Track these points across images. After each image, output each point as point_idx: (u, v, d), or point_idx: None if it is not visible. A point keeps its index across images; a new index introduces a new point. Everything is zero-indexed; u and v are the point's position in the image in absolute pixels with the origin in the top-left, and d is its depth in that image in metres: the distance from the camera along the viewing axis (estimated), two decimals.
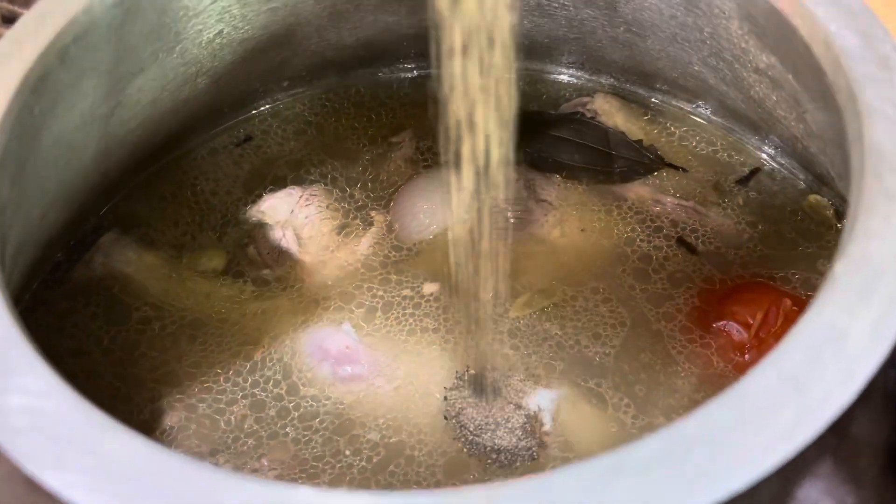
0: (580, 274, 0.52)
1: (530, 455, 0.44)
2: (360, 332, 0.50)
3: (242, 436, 0.46)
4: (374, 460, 0.44)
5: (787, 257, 0.52)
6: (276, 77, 0.61)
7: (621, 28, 0.54)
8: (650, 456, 0.25)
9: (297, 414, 0.47)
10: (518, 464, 0.44)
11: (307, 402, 0.47)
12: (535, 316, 0.50)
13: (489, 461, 0.44)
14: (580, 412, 0.46)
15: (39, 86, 0.39)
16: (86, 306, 0.51)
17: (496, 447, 0.44)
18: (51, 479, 0.26)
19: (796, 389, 0.27)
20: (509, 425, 0.45)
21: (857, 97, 0.32)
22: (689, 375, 0.47)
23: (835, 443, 0.29)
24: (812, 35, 0.36)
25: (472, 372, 0.47)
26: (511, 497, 0.24)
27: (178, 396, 0.47)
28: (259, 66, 0.57)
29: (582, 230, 0.54)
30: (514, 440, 0.44)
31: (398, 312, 0.51)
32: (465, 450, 0.44)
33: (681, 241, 0.53)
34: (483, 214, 0.55)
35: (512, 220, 0.54)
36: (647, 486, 0.25)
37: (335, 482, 0.44)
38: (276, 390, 0.48)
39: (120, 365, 0.49)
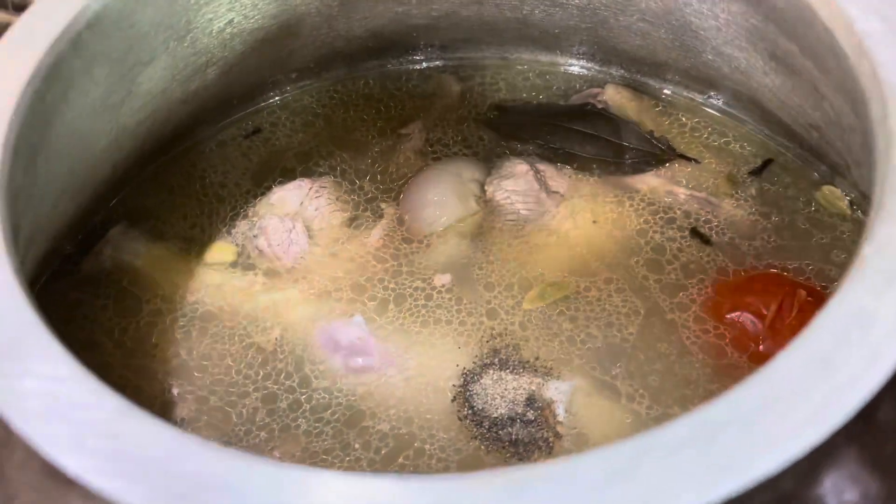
0: (593, 265, 0.52)
1: (547, 446, 0.43)
2: (371, 324, 0.49)
3: (254, 428, 0.45)
4: (383, 451, 0.44)
5: (801, 248, 0.51)
6: (285, 68, 0.60)
7: (634, 17, 0.54)
8: (677, 439, 0.25)
9: (308, 406, 0.46)
10: (535, 455, 0.43)
11: (319, 394, 0.47)
12: (547, 308, 0.50)
13: (508, 455, 0.43)
14: (594, 403, 0.46)
15: (51, 73, 0.39)
16: (96, 298, 0.51)
17: (513, 440, 0.44)
18: (68, 463, 0.25)
19: (824, 373, 0.26)
20: (525, 419, 0.44)
21: (881, 80, 0.32)
22: (703, 366, 0.47)
23: (862, 428, 0.29)
24: (833, 18, 0.36)
25: (485, 362, 0.47)
26: (536, 480, 0.24)
27: (189, 388, 0.47)
28: (268, 57, 0.57)
29: (594, 222, 0.54)
30: (531, 432, 0.44)
31: (410, 304, 0.50)
32: (482, 447, 0.44)
33: (694, 232, 0.52)
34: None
35: (523, 212, 0.54)
36: (675, 470, 0.24)
37: None
38: (287, 382, 0.47)
39: (131, 357, 0.49)
